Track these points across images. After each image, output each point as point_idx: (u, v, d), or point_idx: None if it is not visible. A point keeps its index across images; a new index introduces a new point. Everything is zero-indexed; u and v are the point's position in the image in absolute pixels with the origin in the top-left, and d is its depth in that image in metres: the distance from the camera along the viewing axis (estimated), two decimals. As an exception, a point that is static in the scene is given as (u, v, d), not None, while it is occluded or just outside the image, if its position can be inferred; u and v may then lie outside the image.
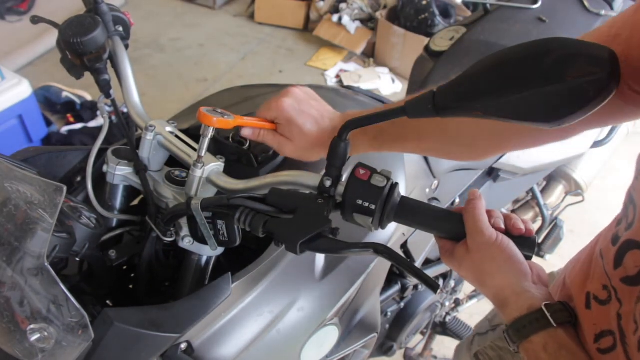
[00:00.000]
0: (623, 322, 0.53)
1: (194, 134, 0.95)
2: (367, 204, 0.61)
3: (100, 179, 0.86)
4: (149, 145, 0.80)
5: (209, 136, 0.74)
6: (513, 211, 1.75)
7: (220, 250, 0.78)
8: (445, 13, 3.30)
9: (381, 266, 1.00)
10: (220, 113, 0.75)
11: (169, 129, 0.81)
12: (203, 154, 0.75)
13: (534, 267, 0.59)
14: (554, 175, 1.71)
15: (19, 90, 2.23)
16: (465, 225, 0.60)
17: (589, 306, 0.59)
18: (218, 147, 0.87)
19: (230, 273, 0.73)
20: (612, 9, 1.51)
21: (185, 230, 0.76)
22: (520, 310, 0.57)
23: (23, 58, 3.13)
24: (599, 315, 0.57)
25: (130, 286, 0.90)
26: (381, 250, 0.61)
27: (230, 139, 0.88)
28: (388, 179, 0.62)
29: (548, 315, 0.55)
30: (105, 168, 0.83)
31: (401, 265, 0.63)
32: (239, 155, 0.87)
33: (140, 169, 0.80)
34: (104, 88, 0.82)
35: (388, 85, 3.34)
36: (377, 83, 3.33)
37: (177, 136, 0.82)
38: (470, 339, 1.21)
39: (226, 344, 0.78)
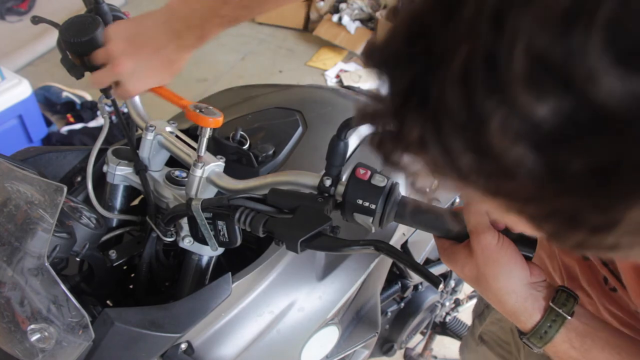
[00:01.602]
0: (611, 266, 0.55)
1: (194, 134, 0.95)
2: (367, 204, 0.61)
3: (100, 179, 0.86)
4: (149, 145, 0.80)
5: (207, 136, 0.75)
6: (513, 211, 1.75)
7: (220, 250, 0.78)
8: (445, 13, 3.29)
9: (381, 266, 1.00)
10: (211, 111, 0.76)
11: (169, 129, 0.81)
12: (202, 154, 0.75)
13: (533, 268, 0.59)
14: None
15: (19, 90, 2.23)
16: (468, 227, 0.60)
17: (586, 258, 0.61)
18: (218, 147, 0.87)
19: (230, 273, 0.73)
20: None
21: (185, 230, 0.76)
22: (533, 316, 0.57)
23: (23, 58, 3.13)
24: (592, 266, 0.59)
25: (131, 286, 0.90)
26: (382, 247, 0.61)
27: (230, 139, 0.89)
28: (388, 178, 0.62)
29: (560, 311, 0.56)
30: (105, 168, 0.83)
31: (402, 262, 0.63)
32: (239, 155, 0.87)
33: (140, 169, 0.80)
34: (104, 88, 0.82)
35: (388, 85, 3.34)
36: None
37: (177, 136, 0.82)
38: (471, 326, 1.23)
39: (226, 344, 0.78)
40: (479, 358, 1.19)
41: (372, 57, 0.31)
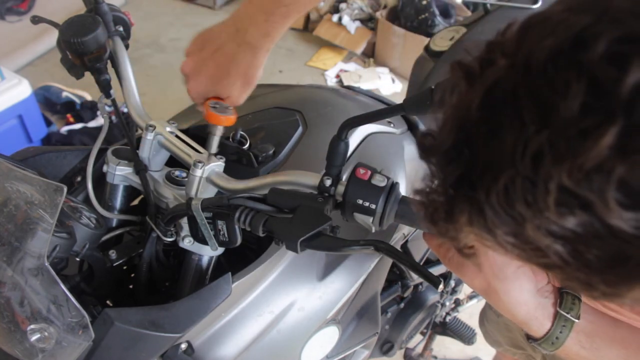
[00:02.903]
0: None
1: (194, 133, 0.95)
2: (367, 204, 0.61)
3: (100, 179, 0.86)
4: (149, 145, 0.80)
5: (219, 134, 0.76)
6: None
7: (220, 250, 0.78)
8: (445, 13, 3.30)
9: (382, 266, 1.00)
10: (225, 108, 0.76)
11: (169, 129, 0.81)
12: (214, 151, 0.76)
13: (536, 273, 0.60)
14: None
15: (19, 90, 2.23)
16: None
17: None
18: (218, 147, 0.87)
19: (230, 273, 0.73)
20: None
21: (185, 230, 0.76)
22: (544, 325, 0.58)
23: (23, 58, 3.13)
24: None
25: (131, 286, 0.90)
26: (382, 247, 0.61)
27: (231, 139, 0.88)
28: (388, 178, 0.62)
29: (568, 316, 0.57)
30: (105, 168, 0.83)
31: (402, 262, 0.63)
32: (239, 155, 0.87)
33: (140, 169, 0.80)
34: (104, 88, 0.82)
35: (388, 85, 3.34)
36: (377, 83, 3.33)
37: (177, 136, 0.82)
38: None
39: (226, 344, 0.78)
40: (500, 328, 1.22)
41: (427, 153, 0.37)
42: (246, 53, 0.76)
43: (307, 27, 3.77)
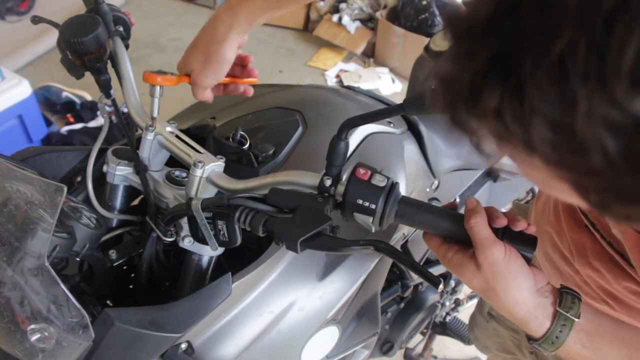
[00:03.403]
0: None
1: (194, 133, 0.95)
2: (367, 204, 0.61)
3: (100, 179, 0.86)
4: (149, 145, 0.80)
5: (158, 96, 0.79)
6: (513, 211, 1.75)
7: (220, 250, 0.78)
8: (445, 13, 3.30)
9: (381, 266, 1.00)
10: (164, 72, 0.79)
11: (169, 129, 0.81)
12: (156, 115, 0.79)
13: (536, 273, 0.59)
14: (554, 175, 1.70)
15: (19, 90, 2.23)
16: (473, 241, 0.59)
17: None
18: (218, 147, 0.87)
19: (230, 273, 0.73)
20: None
21: (185, 230, 0.76)
22: (543, 324, 0.58)
23: (23, 58, 3.13)
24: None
25: (131, 286, 0.90)
26: (382, 247, 0.61)
27: (230, 139, 0.88)
28: (388, 178, 0.62)
29: (568, 315, 0.57)
30: (105, 168, 0.83)
31: (402, 262, 0.63)
32: (239, 155, 0.87)
33: (140, 169, 0.80)
34: (105, 88, 0.82)
35: (388, 85, 3.34)
36: (377, 83, 3.33)
37: (177, 136, 0.82)
38: (479, 304, 1.27)
39: (226, 344, 0.78)
40: (489, 333, 1.23)
41: (456, 25, 0.31)
42: (209, 25, 0.80)
43: (307, 27, 3.77)
